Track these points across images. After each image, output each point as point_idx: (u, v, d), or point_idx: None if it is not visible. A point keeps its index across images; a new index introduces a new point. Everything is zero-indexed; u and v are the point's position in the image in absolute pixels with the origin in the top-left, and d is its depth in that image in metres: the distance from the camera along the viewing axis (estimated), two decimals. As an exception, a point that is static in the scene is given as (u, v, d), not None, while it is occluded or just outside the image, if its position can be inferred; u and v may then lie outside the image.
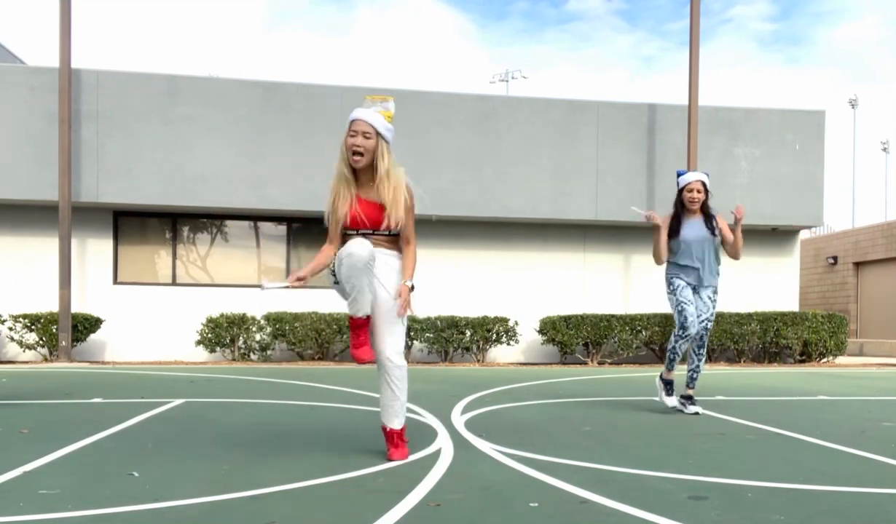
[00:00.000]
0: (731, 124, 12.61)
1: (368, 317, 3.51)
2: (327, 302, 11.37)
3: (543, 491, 2.96)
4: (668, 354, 5.44)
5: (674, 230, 5.33)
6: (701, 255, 5.28)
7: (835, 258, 20.24)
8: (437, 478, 3.17)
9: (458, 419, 4.97)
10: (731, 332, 11.92)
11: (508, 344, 11.91)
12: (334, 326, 11.29)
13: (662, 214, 5.45)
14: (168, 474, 3.22)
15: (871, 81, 78.34)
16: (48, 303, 11.25)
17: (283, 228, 12.36)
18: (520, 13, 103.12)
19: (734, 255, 5.42)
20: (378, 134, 3.47)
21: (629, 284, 13.07)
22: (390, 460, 3.55)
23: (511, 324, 11.84)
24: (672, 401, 5.45)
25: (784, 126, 12.73)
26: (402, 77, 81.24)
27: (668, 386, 5.49)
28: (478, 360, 11.85)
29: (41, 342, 10.86)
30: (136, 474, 3.21)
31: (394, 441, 3.64)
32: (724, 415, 5.29)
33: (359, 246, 3.33)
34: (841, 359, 13.93)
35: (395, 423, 3.63)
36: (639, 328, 11.90)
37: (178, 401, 5.93)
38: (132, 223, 12.06)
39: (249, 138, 11.42)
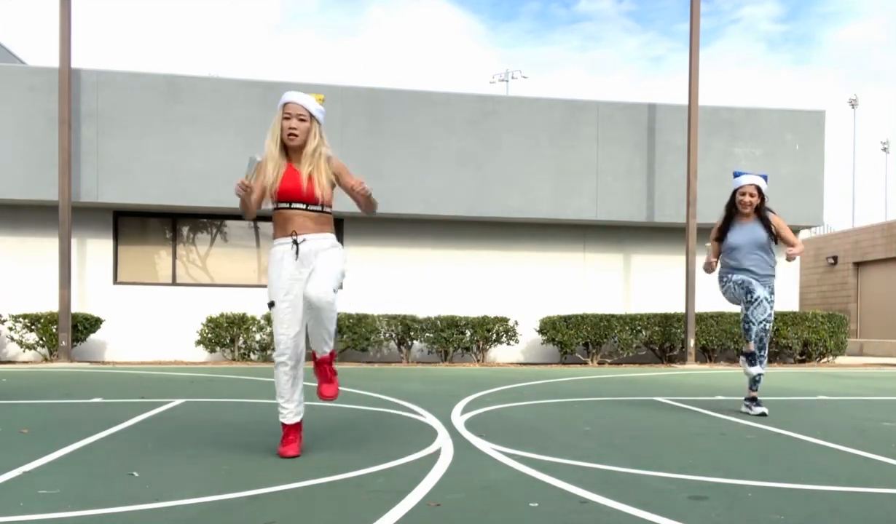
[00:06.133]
0: (731, 124, 12.61)
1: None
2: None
3: (543, 491, 2.96)
4: (742, 326, 5.38)
5: (723, 234, 5.33)
6: (751, 258, 5.29)
7: (835, 258, 20.24)
8: (437, 478, 3.17)
9: (458, 419, 4.97)
10: (731, 332, 11.93)
11: (508, 344, 11.91)
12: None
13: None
14: (168, 474, 3.22)
15: (874, 82, 78.35)
16: (48, 303, 11.24)
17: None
18: (530, 14, 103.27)
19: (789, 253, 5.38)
20: (311, 116, 3.62)
21: (629, 284, 13.07)
22: (321, 397, 3.61)
23: (511, 324, 11.84)
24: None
25: (784, 126, 12.73)
26: (411, 78, 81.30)
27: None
28: (478, 360, 11.85)
29: (41, 342, 10.86)
30: (136, 474, 3.21)
31: (324, 372, 3.65)
32: (724, 415, 5.29)
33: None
34: (841, 359, 13.92)
35: (326, 348, 3.62)
36: (639, 328, 11.90)
37: (178, 401, 5.93)
38: (132, 223, 12.06)
39: (249, 138, 11.40)
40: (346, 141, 11.55)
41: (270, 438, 4.11)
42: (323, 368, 3.66)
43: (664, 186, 12.35)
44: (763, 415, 5.28)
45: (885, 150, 35.39)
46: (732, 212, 5.37)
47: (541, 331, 12.00)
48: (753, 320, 5.33)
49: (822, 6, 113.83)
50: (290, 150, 3.64)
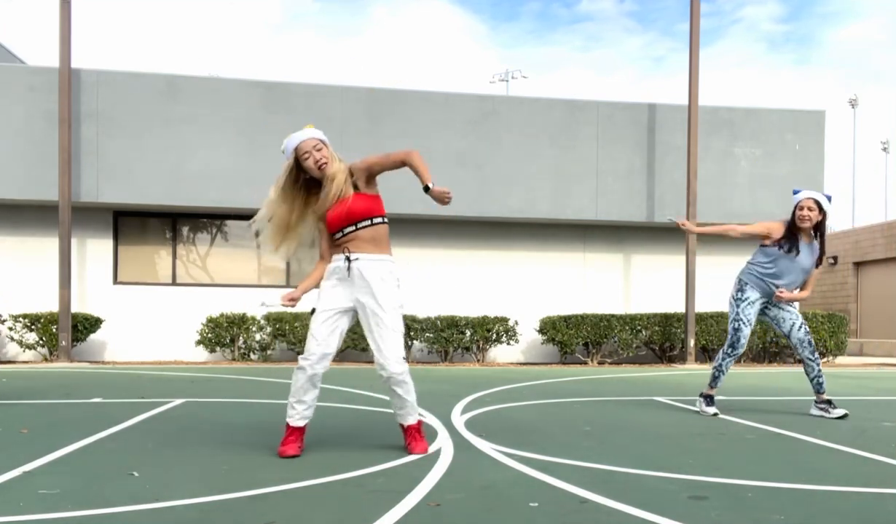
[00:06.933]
0: (731, 124, 12.61)
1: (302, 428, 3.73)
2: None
3: (543, 491, 2.96)
4: (712, 371, 5.43)
5: (788, 245, 5.16)
6: (794, 280, 5.21)
7: (835, 258, 20.25)
8: (437, 478, 3.17)
9: (458, 419, 4.97)
10: (731, 332, 11.92)
11: (508, 344, 11.91)
12: (334, 326, 11.28)
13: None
14: (168, 474, 3.22)
15: (874, 82, 78.36)
16: (48, 303, 11.24)
17: (283, 228, 12.32)
18: (530, 14, 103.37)
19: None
20: (322, 141, 3.63)
21: (629, 284, 13.07)
22: (411, 454, 3.67)
23: (511, 323, 11.84)
24: (713, 409, 5.35)
25: (784, 126, 12.73)
26: (412, 78, 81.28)
27: (709, 399, 5.43)
28: (478, 360, 11.85)
29: (41, 342, 10.86)
30: (136, 474, 3.21)
31: (412, 435, 3.74)
32: (724, 415, 5.29)
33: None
34: (841, 359, 13.92)
35: (411, 420, 3.75)
36: (639, 328, 11.90)
37: (178, 401, 5.93)
38: (132, 223, 12.06)
39: (249, 138, 11.41)
40: (346, 141, 11.54)
41: (270, 438, 4.11)
42: (412, 435, 3.75)
43: (664, 186, 12.35)
44: (844, 416, 5.15)
45: (885, 150, 35.40)
46: (794, 230, 5.21)
47: (541, 331, 12.00)
48: (724, 370, 5.40)
49: (823, 6, 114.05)
50: (317, 180, 3.64)
